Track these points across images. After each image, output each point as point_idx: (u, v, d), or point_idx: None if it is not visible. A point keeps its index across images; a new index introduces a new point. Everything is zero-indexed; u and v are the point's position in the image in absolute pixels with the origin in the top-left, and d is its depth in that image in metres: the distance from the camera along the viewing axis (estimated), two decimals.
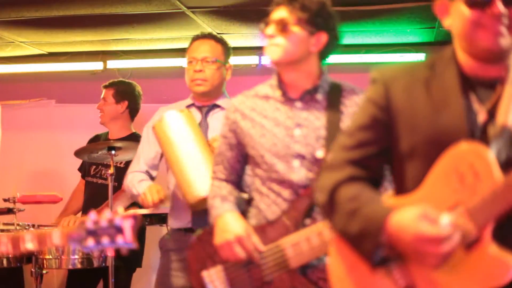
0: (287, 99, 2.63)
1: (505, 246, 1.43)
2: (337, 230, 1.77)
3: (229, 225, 2.55)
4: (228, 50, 3.64)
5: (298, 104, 2.61)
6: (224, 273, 2.59)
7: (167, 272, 3.61)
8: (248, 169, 2.80)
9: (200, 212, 3.34)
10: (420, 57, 5.32)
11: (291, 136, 2.56)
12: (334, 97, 2.61)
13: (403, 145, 1.68)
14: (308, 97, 2.61)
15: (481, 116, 1.54)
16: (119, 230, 1.82)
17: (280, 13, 2.55)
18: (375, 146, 1.74)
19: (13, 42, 5.33)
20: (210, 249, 2.62)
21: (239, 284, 2.57)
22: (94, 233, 1.83)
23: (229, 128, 2.73)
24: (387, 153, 1.74)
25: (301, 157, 2.53)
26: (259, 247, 2.50)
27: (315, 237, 2.38)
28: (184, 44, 3.75)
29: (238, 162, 2.75)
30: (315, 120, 2.58)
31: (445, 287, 1.53)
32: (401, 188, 1.71)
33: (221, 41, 3.63)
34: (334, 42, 2.62)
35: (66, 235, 1.88)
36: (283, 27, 2.52)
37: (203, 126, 3.48)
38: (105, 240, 1.83)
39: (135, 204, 4.28)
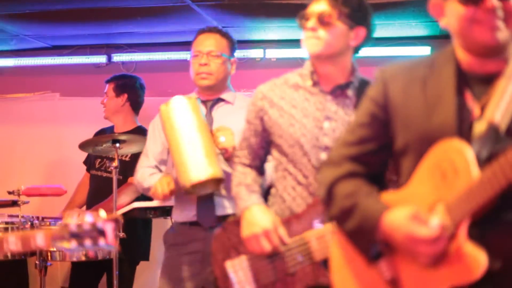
0: (318, 91, 2.64)
1: (480, 244, 1.44)
2: (335, 224, 1.83)
3: (257, 218, 2.56)
4: (233, 45, 3.64)
5: (328, 97, 2.62)
6: (247, 264, 2.61)
7: (172, 267, 3.63)
8: (271, 157, 2.80)
9: (205, 206, 3.37)
10: (425, 50, 5.32)
11: (320, 128, 2.58)
12: (363, 94, 2.60)
13: (398, 142, 1.71)
14: (339, 92, 2.62)
15: (475, 112, 1.54)
16: (101, 233, 1.87)
17: (320, 6, 2.55)
18: (374, 143, 1.78)
19: (17, 35, 5.37)
20: (235, 239, 2.65)
21: (263, 275, 2.58)
22: (77, 235, 1.89)
23: (255, 115, 2.74)
24: (387, 149, 1.77)
25: (330, 150, 2.47)
26: (284, 239, 2.52)
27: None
28: (189, 38, 3.75)
29: (262, 148, 2.77)
30: (345, 115, 2.59)
31: (424, 281, 1.57)
32: (398, 184, 1.75)
33: (226, 35, 3.63)
34: (370, 36, 2.66)
35: (50, 237, 1.94)
36: (325, 20, 2.52)
37: (208, 120, 3.47)
38: (87, 242, 1.88)
39: (139, 198, 4.34)
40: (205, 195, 3.39)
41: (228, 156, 3.25)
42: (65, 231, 1.90)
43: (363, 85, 2.59)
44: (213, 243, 2.80)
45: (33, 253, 4.04)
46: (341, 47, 2.57)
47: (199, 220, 3.45)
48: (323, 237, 2.45)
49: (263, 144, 2.75)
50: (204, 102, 3.56)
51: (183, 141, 3.24)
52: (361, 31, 2.59)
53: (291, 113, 2.63)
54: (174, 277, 3.60)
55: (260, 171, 2.84)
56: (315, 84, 2.64)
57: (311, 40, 2.56)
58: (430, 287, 1.56)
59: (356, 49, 2.67)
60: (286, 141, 2.62)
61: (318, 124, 2.58)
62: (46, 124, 5.70)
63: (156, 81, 5.32)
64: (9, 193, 4.17)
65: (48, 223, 4.08)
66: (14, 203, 4.21)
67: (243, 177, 2.76)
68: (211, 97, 3.57)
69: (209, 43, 3.53)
